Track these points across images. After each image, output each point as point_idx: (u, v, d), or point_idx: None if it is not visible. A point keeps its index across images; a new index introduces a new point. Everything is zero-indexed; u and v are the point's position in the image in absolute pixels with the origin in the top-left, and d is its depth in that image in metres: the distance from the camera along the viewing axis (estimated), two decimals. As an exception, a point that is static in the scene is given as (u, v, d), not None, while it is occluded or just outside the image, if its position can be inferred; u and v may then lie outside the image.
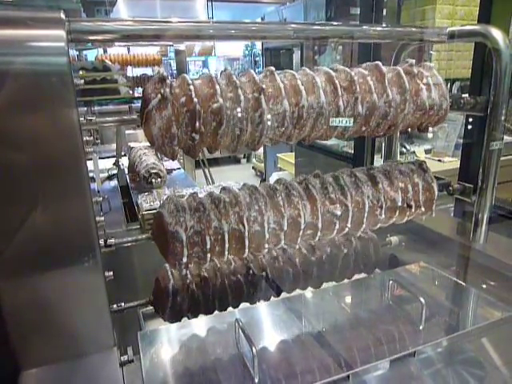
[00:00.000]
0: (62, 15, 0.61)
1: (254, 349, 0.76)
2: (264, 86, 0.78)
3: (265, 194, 0.89)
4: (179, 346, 0.89)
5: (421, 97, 0.91)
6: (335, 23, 0.96)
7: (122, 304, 0.93)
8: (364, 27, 0.98)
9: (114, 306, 0.91)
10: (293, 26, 0.89)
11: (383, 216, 0.98)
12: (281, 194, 0.90)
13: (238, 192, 0.89)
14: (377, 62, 0.89)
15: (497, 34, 0.96)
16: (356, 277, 1.18)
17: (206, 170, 4.53)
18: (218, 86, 0.74)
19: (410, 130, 1.00)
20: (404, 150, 3.13)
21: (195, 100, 0.71)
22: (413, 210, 1.01)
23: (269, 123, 0.79)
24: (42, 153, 0.60)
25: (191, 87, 0.72)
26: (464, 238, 1.26)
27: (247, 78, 0.79)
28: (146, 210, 1.68)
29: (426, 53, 2.92)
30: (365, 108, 0.87)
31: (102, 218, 0.80)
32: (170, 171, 2.52)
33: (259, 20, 6.17)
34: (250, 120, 0.78)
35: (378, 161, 1.65)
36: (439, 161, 3.00)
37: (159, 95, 0.70)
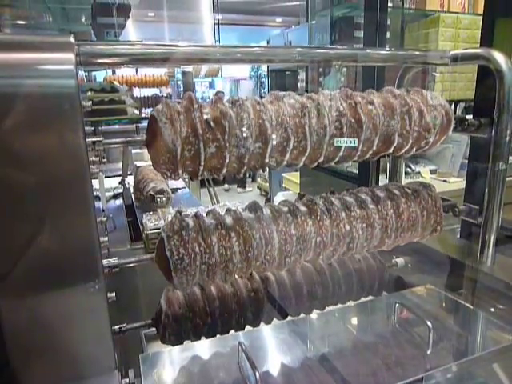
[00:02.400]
0: (72, 39, 0.62)
1: (257, 373, 0.75)
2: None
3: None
4: (181, 369, 0.87)
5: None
6: (339, 47, 0.98)
7: (124, 325, 0.92)
8: (368, 51, 1.00)
9: (116, 327, 0.90)
10: (297, 49, 0.90)
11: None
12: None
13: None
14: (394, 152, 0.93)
15: (499, 57, 0.97)
16: (362, 299, 1.16)
17: (211, 190, 4.54)
18: (227, 159, 0.77)
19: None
20: (409, 170, 3.12)
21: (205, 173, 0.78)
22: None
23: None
24: (47, 173, 0.61)
25: (202, 165, 0.76)
26: (471, 259, 1.24)
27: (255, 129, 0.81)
28: (150, 230, 1.68)
29: (429, 74, 2.95)
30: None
31: (106, 239, 0.80)
32: (174, 190, 2.53)
33: (265, 43, 6.28)
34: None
35: (383, 181, 1.65)
36: (444, 181, 2.99)
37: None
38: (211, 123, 0.75)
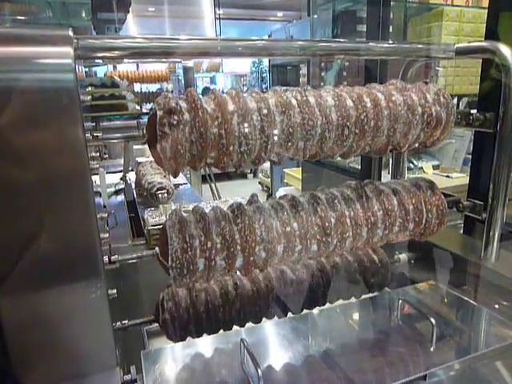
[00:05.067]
0: (70, 32, 0.61)
1: (259, 370, 0.74)
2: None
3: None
4: (183, 365, 0.87)
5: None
6: (341, 40, 0.97)
7: (126, 321, 0.92)
8: (370, 44, 0.98)
9: (118, 323, 0.89)
10: (299, 42, 0.89)
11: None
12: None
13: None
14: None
15: (505, 50, 0.96)
16: (364, 295, 1.15)
17: (213, 185, 4.54)
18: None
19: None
20: (412, 165, 3.11)
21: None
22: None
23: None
24: (46, 169, 0.60)
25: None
26: (474, 255, 1.23)
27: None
28: (151, 226, 1.68)
29: (432, 69, 2.93)
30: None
31: (107, 235, 0.79)
32: (176, 186, 2.52)
33: (266, 37, 6.25)
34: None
35: (386, 177, 1.64)
36: (447, 176, 2.98)
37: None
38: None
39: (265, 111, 0.77)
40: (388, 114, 0.88)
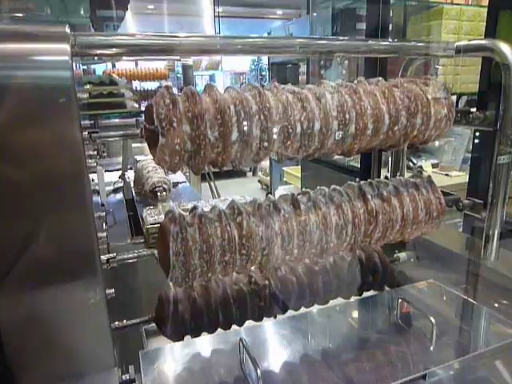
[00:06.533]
0: (67, 29, 0.60)
1: (258, 370, 0.74)
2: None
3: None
4: (182, 365, 0.86)
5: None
6: (341, 38, 0.96)
7: (124, 321, 0.91)
8: (370, 42, 0.98)
9: (116, 323, 0.89)
10: (299, 40, 0.88)
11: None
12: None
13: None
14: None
15: (505, 48, 0.95)
16: (364, 294, 1.15)
17: (212, 184, 4.53)
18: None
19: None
20: (411, 164, 3.11)
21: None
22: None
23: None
24: (42, 167, 0.59)
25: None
26: (474, 254, 1.23)
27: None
28: (150, 224, 1.67)
29: (431, 67, 2.92)
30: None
31: (105, 234, 0.79)
32: (175, 184, 2.51)
33: (266, 35, 6.23)
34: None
35: (385, 175, 1.63)
36: (446, 175, 2.97)
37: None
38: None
39: (265, 144, 0.77)
40: (384, 138, 0.89)
